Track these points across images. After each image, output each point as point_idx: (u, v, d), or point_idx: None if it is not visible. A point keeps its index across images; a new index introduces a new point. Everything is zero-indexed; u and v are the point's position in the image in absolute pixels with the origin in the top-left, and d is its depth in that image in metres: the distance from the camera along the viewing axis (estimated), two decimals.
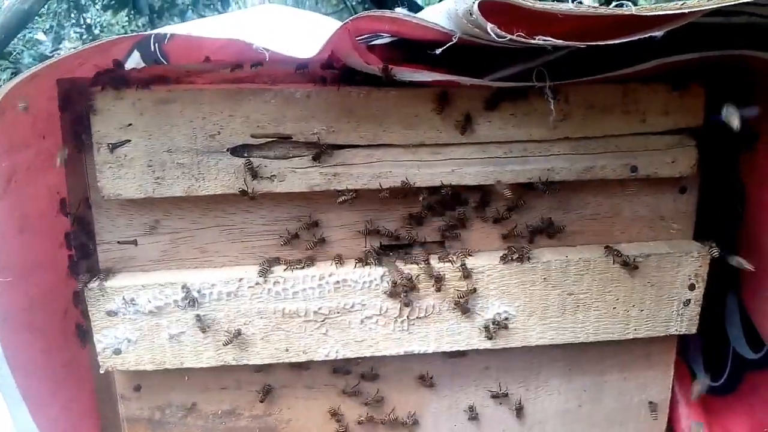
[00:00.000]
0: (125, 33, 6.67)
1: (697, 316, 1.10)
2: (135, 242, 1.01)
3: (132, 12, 5.47)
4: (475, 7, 0.72)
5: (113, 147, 0.93)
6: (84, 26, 6.33)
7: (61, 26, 5.85)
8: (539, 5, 0.72)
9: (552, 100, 0.92)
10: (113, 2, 5.29)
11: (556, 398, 1.17)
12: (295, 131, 0.95)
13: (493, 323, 1.04)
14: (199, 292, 0.99)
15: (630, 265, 1.04)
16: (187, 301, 0.99)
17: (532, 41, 0.72)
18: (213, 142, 0.94)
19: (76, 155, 1.00)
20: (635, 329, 1.09)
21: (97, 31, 6.59)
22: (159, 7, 5.63)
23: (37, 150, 0.99)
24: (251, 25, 0.97)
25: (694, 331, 1.11)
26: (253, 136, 0.94)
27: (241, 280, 1.00)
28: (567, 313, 1.06)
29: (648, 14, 0.72)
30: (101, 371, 1.02)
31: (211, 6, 6.00)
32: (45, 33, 5.99)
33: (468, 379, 1.14)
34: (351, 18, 0.81)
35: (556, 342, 1.08)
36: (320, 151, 0.96)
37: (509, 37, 0.72)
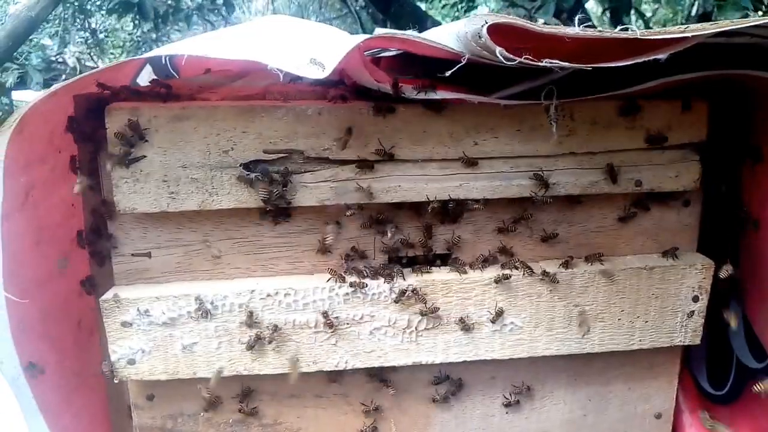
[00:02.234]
0: (130, 38, 6.71)
1: (701, 328, 1.12)
2: (149, 254, 1.03)
3: (137, 17, 5.50)
4: (484, 30, 0.74)
5: (129, 162, 0.95)
6: (89, 31, 6.37)
7: (67, 31, 5.88)
8: (547, 29, 0.74)
9: (554, 122, 0.94)
10: (118, 7, 5.31)
11: (561, 408, 1.19)
12: (306, 147, 0.97)
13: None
14: (212, 303, 1.01)
15: (549, 277, 1.06)
16: (201, 312, 1.01)
17: (540, 64, 0.75)
18: (226, 157, 0.96)
19: (92, 169, 1.03)
20: (640, 340, 1.11)
21: (102, 36, 6.63)
22: (164, 12, 5.66)
23: (53, 164, 1.01)
24: (263, 42, 0.99)
25: (698, 342, 1.12)
26: (265, 152, 0.97)
27: (252, 291, 1.02)
28: (573, 325, 1.08)
29: (652, 37, 0.74)
30: (115, 381, 1.04)
31: (216, 11, 6.03)
32: (51, 38, 6.03)
33: (474, 389, 1.15)
34: (363, 39, 0.83)
35: (562, 353, 1.10)
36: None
37: (517, 60, 0.74)
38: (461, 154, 1.00)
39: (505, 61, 0.74)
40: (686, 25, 0.74)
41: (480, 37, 0.75)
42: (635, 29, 0.72)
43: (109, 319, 1.01)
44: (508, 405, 1.16)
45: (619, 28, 0.75)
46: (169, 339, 1.02)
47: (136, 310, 1.00)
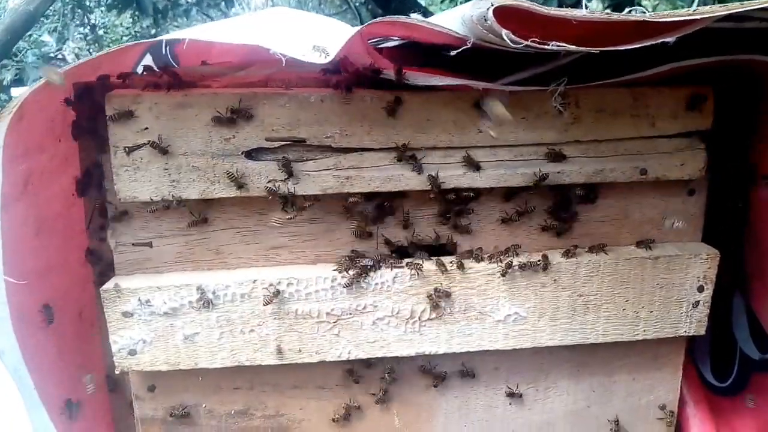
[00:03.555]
0: (129, 33, 6.70)
1: (706, 318, 1.11)
2: (150, 244, 1.02)
3: (136, 12, 5.49)
4: (490, 13, 0.73)
5: (130, 150, 0.94)
6: (88, 26, 6.35)
7: (66, 27, 5.87)
8: (554, 11, 0.73)
9: (560, 105, 0.93)
10: (117, 3, 5.30)
11: (565, 399, 1.18)
12: (309, 135, 0.96)
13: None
14: (213, 293, 1.00)
15: (505, 275, 1.04)
16: (202, 302, 1.00)
17: (547, 47, 0.74)
18: (228, 145, 0.95)
19: (92, 157, 1.02)
20: (644, 330, 1.10)
21: (101, 32, 6.62)
22: (163, 8, 5.64)
23: (53, 153, 1.00)
24: (266, 30, 0.98)
25: (702, 332, 1.12)
26: (267, 140, 0.96)
27: (255, 281, 1.01)
28: (577, 315, 1.07)
29: (660, 20, 0.73)
30: (116, 372, 1.03)
31: (215, 6, 6.02)
32: (49, 33, 6.01)
33: (478, 381, 1.15)
34: (366, 24, 0.82)
35: (566, 343, 1.09)
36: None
37: (524, 43, 0.73)
38: (465, 143, 0.99)
39: (512, 44, 0.73)
40: (695, 8, 0.73)
41: (486, 20, 0.73)
42: (645, 10, 0.71)
43: (110, 309, 1.00)
44: (511, 395, 1.15)
45: (627, 10, 0.73)
46: (170, 329, 1.01)
47: (137, 300, 0.99)
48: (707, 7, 0.72)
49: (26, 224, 0.98)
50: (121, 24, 6.91)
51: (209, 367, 1.04)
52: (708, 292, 1.09)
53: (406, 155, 0.98)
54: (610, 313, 1.08)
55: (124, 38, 6.92)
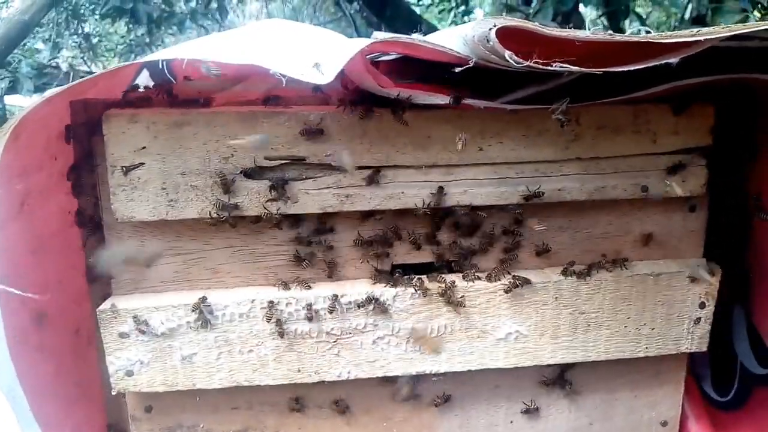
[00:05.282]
0: (124, 42, 6.68)
1: (708, 334, 1.10)
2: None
3: (130, 21, 5.47)
4: (493, 34, 0.72)
5: (127, 170, 0.93)
6: (82, 35, 6.33)
7: (60, 35, 5.85)
8: (557, 32, 0.73)
9: (561, 116, 0.93)
10: (111, 11, 5.29)
11: (567, 416, 1.17)
12: (308, 153, 0.95)
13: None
14: (211, 313, 0.99)
15: (453, 303, 1.02)
16: (200, 322, 0.98)
17: (550, 68, 0.73)
18: (227, 164, 0.94)
19: (88, 177, 1.00)
20: (646, 347, 1.09)
21: (95, 41, 6.60)
22: (157, 17, 5.63)
23: (49, 171, 0.99)
24: (264, 46, 0.97)
25: (704, 348, 1.11)
26: (267, 158, 0.95)
27: (253, 301, 0.99)
28: (578, 332, 1.07)
29: (664, 41, 0.72)
30: (113, 393, 1.01)
31: (210, 16, 6.01)
32: (44, 42, 5.99)
33: (479, 398, 1.14)
34: (367, 43, 0.81)
35: (568, 361, 1.08)
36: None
37: (527, 63, 0.73)
38: (466, 160, 0.98)
39: (514, 65, 0.72)
40: (698, 29, 0.72)
41: (488, 40, 0.73)
42: (651, 31, 0.71)
43: (107, 330, 0.98)
44: (527, 412, 1.14)
45: (629, 31, 0.73)
46: (167, 350, 1.00)
47: (134, 320, 0.98)
48: (711, 28, 0.72)
49: (22, 243, 0.96)
50: (116, 32, 6.89)
51: (207, 388, 1.02)
52: (710, 308, 1.09)
53: None
54: (611, 330, 1.07)
55: (119, 47, 6.90)
